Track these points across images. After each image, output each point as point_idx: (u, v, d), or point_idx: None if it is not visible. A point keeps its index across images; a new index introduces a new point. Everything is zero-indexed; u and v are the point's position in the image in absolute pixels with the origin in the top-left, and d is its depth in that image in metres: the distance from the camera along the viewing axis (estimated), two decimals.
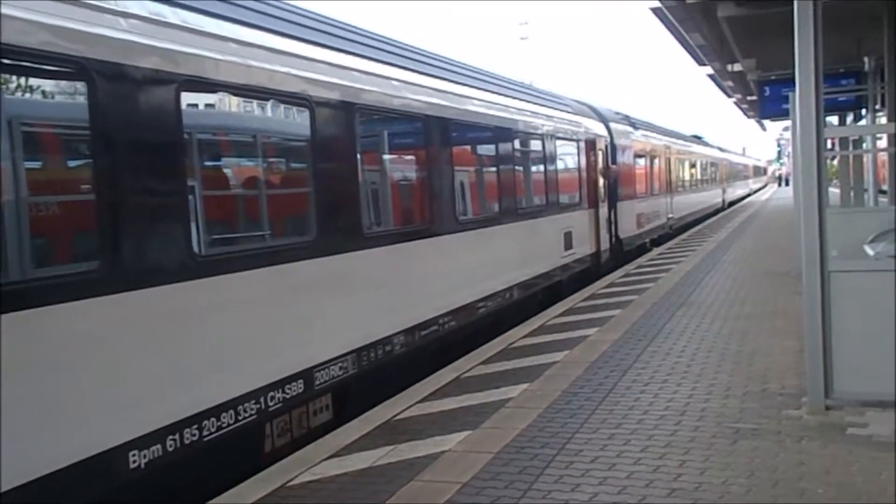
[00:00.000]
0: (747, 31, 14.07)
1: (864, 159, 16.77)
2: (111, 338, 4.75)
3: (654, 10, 14.67)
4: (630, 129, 21.03)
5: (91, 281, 4.60)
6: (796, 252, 9.90)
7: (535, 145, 12.85)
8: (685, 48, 18.96)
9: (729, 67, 20.41)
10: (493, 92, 11.55)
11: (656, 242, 22.59)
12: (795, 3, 6.03)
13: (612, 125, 18.69)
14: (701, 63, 21.05)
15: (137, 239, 4.96)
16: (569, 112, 15.45)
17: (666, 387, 7.07)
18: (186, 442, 5.15)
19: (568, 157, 14.58)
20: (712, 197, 38.63)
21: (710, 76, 24.33)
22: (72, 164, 5.04)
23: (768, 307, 10.74)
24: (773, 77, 17.28)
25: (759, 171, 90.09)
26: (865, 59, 14.94)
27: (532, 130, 12.61)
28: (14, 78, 4.40)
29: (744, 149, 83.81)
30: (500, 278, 10.81)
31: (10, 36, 4.17)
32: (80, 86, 4.68)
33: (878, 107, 15.27)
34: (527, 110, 12.62)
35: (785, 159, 75.90)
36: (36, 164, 4.70)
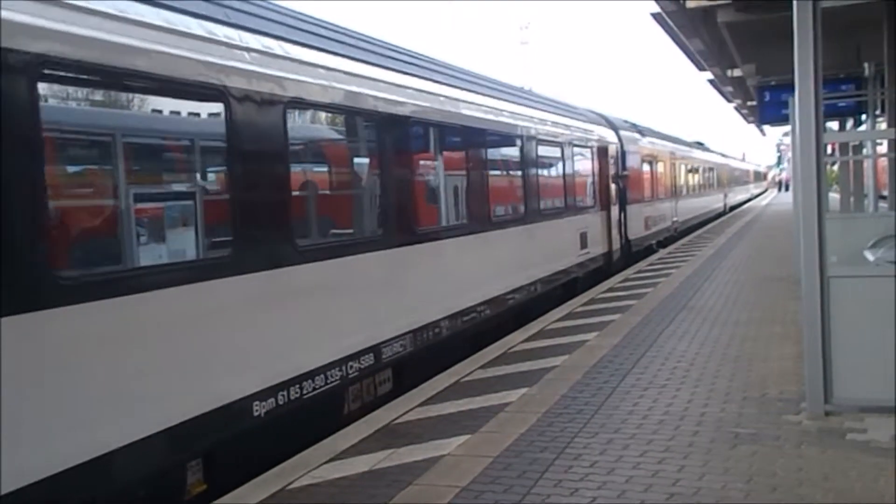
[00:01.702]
0: (747, 36, 14.11)
1: (864, 164, 16.78)
2: (244, 311, 5.86)
3: (655, 16, 14.71)
4: (638, 136, 21.84)
5: (227, 264, 5.71)
6: (796, 257, 9.91)
7: (555, 152, 13.85)
8: (685, 53, 19.02)
9: (729, 73, 20.47)
10: (524, 105, 12.84)
11: (662, 244, 23.48)
12: (795, 7, 6.05)
13: (622, 133, 19.60)
14: (701, 68, 21.12)
15: (259, 231, 6.07)
16: (583, 121, 16.45)
17: (665, 391, 7.07)
18: (291, 398, 6.22)
19: (583, 163, 15.60)
20: (714, 201, 39.33)
21: (710, 81, 24.40)
22: (216, 169, 6.19)
23: (767, 313, 10.74)
24: (772, 82, 17.30)
25: (759, 177, 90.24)
26: (865, 65, 14.94)
27: (552, 139, 13.64)
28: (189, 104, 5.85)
29: (744, 154, 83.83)
30: (526, 273, 11.79)
31: (184, 70, 5.39)
32: (220, 107, 5.77)
33: (878, 112, 15.26)
34: (548, 120, 13.70)
35: (785, 164, 75.94)
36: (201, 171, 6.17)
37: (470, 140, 10.32)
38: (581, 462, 5.41)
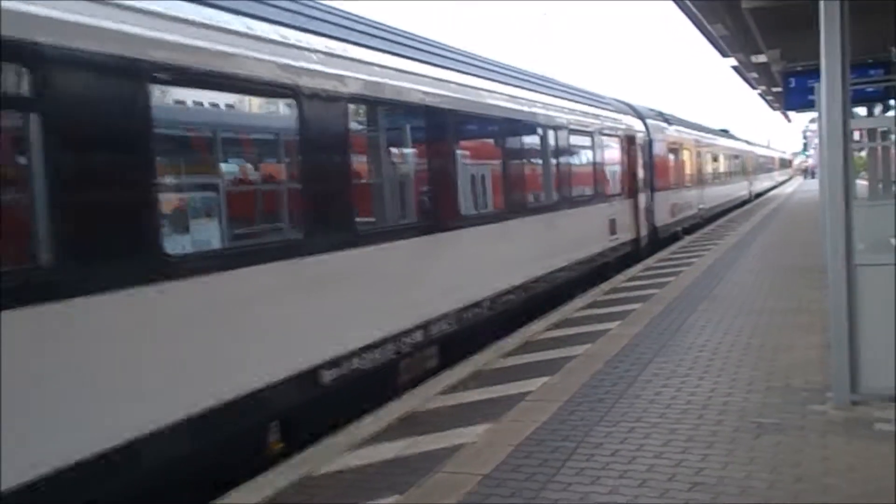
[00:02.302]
0: (772, 21, 13.90)
1: (893, 151, 16.51)
2: (314, 289, 6.47)
3: (677, 1, 14.54)
4: (664, 124, 22.08)
5: (300, 246, 6.32)
6: (822, 246, 9.80)
7: (587, 142, 14.36)
8: (708, 39, 18.78)
9: (753, 59, 20.18)
10: (559, 97, 13.43)
11: (688, 231, 23.77)
12: None
13: (649, 122, 19.95)
14: (724, 54, 20.83)
15: (325, 217, 6.70)
16: (611, 111, 16.93)
17: (688, 381, 7.02)
18: (353, 367, 6.85)
19: (612, 152, 16.07)
20: (739, 189, 39.39)
21: (734, 68, 24.07)
22: (293, 160, 6.63)
23: (793, 302, 10.63)
24: (798, 68, 17.04)
25: (784, 164, 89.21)
26: (893, 49, 14.69)
27: (584, 129, 14.19)
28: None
29: (769, 141, 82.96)
30: (558, 258, 12.32)
31: (263, 73, 6.02)
32: (294, 103, 6.37)
33: None
34: (579, 111, 14.29)
35: (811, 151, 74.99)
36: (276, 161, 6.93)
37: (510, 132, 10.89)
38: (602, 451, 5.40)
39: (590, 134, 14.51)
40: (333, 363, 6.59)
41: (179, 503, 5.09)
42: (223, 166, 6.26)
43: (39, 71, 4.31)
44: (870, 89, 15.47)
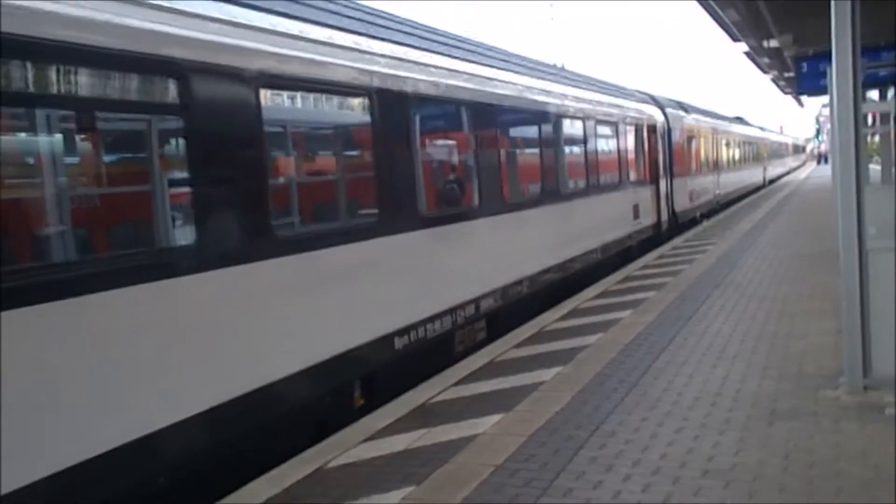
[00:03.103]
0: (783, 6, 13.78)
1: None
2: (388, 266, 7.38)
3: None
4: (682, 113, 22.91)
5: (375, 228, 7.20)
6: (834, 231, 9.74)
7: (612, 131, 15.19)
8: (719, 25, 18.63)
9: (765, 44, 20.00)
10: (587, 90, 14.46)
11: (706, 216, 24.64)
12: None
13: (668, 111, 20.74)
14: (736, 39, 20.66)
15: (392, 201, 7.52)
16: (633, 101, 17.86)
17: (700, 369, 7.03)
18: (419, 336, 7.77)
19: (635, 141, 16.87)
20: (754, 175, 40.09)
21: (746, 53, 23.88)
22: (367, 153, 7.51)
23: (805, 288, 10.60)
24: (810, 52, 16.91)
25: (797, 150, 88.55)
26: None
27: (609, 119, 15.02)
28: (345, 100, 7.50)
29: (781, 127, 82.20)
30: (588, 241, 13.19)
31: (340, 76, 6.89)
32: (367, 102, 7.27)
33: None
34: (605, 102, 15.22)
35: (824, 136, 74.35)
36: (353, 153, 7.84)
37: (544, 124, 11.70)
38: (616, 439, 5.42)
39: (615, 124, 15.29)
40: (404, 331, 7.53)
41: (298, 441, 6.03)
42: (320, 160, 7.53)
43: (185, 82, 5.15)
44: (882, 73, 15.28)
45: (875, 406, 5.65)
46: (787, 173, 62.48)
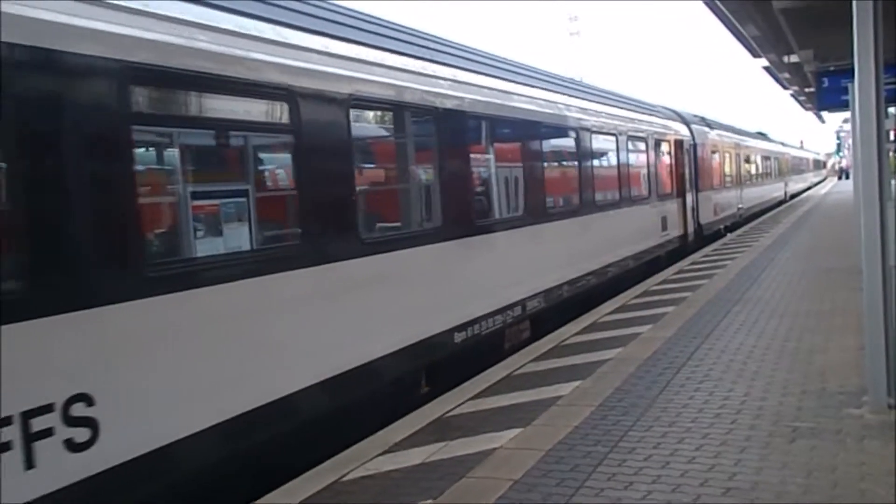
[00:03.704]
0: (804, 21, 13.74)
1: None
2: (448, 267, 8.20)
3: (707, 3, 14.42)
4: (707, 129, 23.62)
5: (436, 234, 8.02)
6: (857, 247, 9.64)
7: (642, 146, 15.99)
8: (739, 40, 18.60)
9: (785, 59, 19.95)
10: (621, 108, 15.39)
11: (730, 229, 25.28)
12: None
13: (693, 127, 21.49)
14: (756, 55, 20.62)
15: (454, 209, 8.40)
16: (661, 117, 18.70)
17: (721, 385, 6.96)
18: (475, 332, 8.52)
19: (663, 156, 17.79)
20: (776, 190, 40.80)
21: (766, 68, 23.82)
22: (434, 165, 8.36)
23: (827, 304, 10.48)
24: (831, 68, 16.83)
25: (818, 165, 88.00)
26: None
27: (640, 135, 15.80)
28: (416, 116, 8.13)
29: (801, 142, 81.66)
30: (620, 250, 13.91)
31: (408, 97, 7.73)
32: (432, 118, 8.15)
33: None
34: (636, 119, 16.07)
35: (845, 152, 73.75)
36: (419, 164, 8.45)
37: (583, 140, 12.47)
38: (635, 456, 5.37)
39: (645, 140, 16.12)
40: (462, 327, 8.29)
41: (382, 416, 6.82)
42: (395, 172, 8.35)
43: (295, 106, 5.99)
44: None
45: None
46: (808, 189, 62.23)
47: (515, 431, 6.07)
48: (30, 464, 3.95)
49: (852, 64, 6.06)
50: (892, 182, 9.42)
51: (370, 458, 5.74)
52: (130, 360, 4.55)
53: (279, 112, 6.07)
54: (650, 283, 14.07)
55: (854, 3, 5.87)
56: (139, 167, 4.93)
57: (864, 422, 5.71)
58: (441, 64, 8.60)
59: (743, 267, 15.09)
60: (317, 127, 6.22)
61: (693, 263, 16.62)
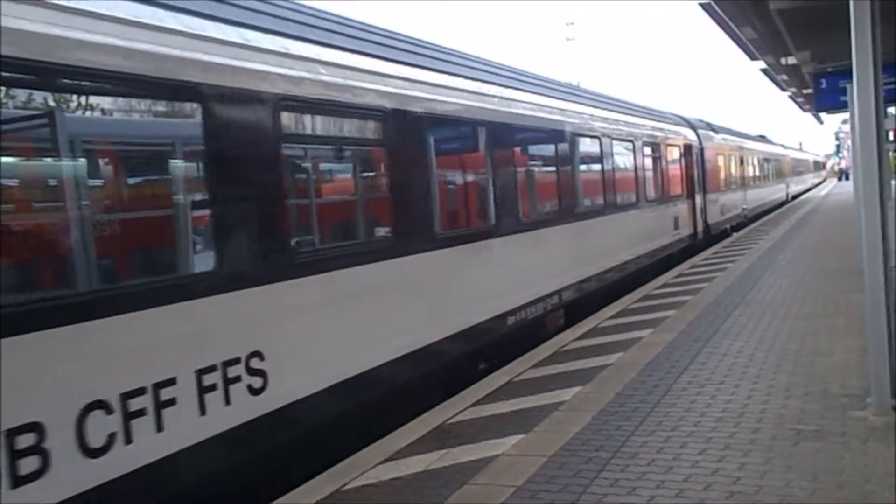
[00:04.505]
0: (801, 23, 13.75)
1: None
2: (504, 259, 9.33)
3: (704, 6, 14.44)
4: (712, 133, 24.77)
5: (491, 231, 9.22)
6: (857, 248, 9.63)
7: (655, 151, 17.12)
8: (736, 43, 18.63)
9: (783, 61, 19.98)
10: (636, 116, 16.64)
11: (735, 228, 26.45)
12: None
13: (700, 131, 22.53)
14: (753, 57, 20.65)
15: (507, 209, 9.62)
16: (671, 123, 19.87)
17: (723, 388, 6.92)
18: (521, 318, 9.61)
19: (673, 160, 18.93)
20: (777, 191, 41.86)
21: (764, 70, 23.87)
22: (486, 171, 9.50)
23: (829, 305, 10.45)
24: (829, 69, 16.77)
25: (818, 166, 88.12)
26: None
27: (653, 140, 16.97)
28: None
29: (800, 143, 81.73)
30: (638, 247, 15.01)
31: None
32: (481, 130, 9.26)
33: None
34: (649, 125, 17.26)
35: (844, 153, 73.77)
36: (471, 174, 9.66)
37: (604, 147, 13.54)
38: (638, 461, 5.33)
39: (657, 145, 17.23)
40: (512, 312, 9.36)
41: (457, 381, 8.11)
42: (472, 178, 9.61)
43: (386, 122, 7.24)
44: None
45: None
46: (808, 190, 62.59)
47: (517, 438, 6.03)
48: (227, 401, 5.15)
49: (850, 65, 6.05)
50: (892, 182, 9.42)
51: (371, 466, 5.70)
52: (286, 327, 5.75)
53: (378, 129, 7.37)
54: (651, 286, 14.04)
55: (851, 3, 5.86)
56: (288, 177, 6.22)
57: (867, 424, 5.68)
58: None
59: (744, 269, 15.07)
60: (407, 142, 7.62)
61: (693, 266, 16.59)
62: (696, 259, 18.10)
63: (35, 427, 3.97)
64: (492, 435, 6.17)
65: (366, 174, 7.73)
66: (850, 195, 17.44)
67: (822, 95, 16.99)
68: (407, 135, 7.56)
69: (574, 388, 7.35)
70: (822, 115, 41.46)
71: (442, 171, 8.63)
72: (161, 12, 5.09)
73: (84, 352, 4.29)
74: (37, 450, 3.97)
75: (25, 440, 3.92)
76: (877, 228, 5.86)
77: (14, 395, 3.86)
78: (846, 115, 21.67)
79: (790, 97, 33.85)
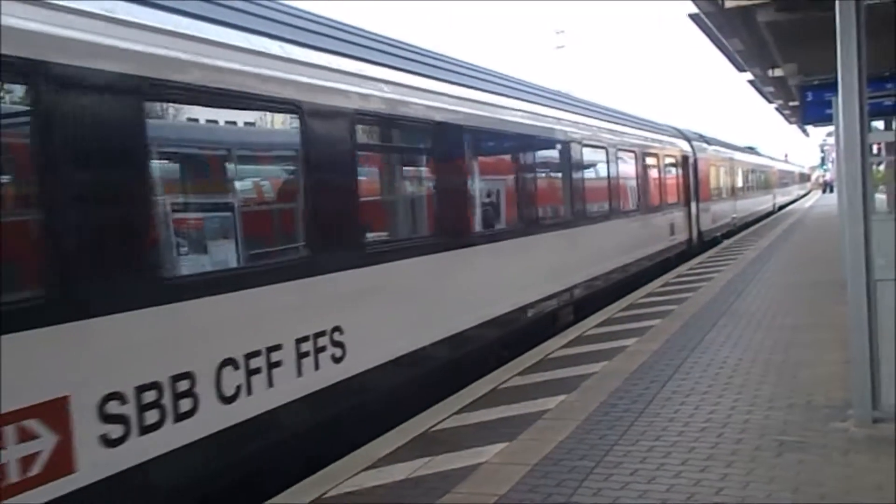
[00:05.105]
0: (788, 35, 13.84)
1: None
2: (527, 257, 10.44)
3: (692, 17, 14.52)
4: (705, 145, 25.81)
5: (513, 231, 10.31)
6: (841, 261, 9.68)
7: (654, 162, 18.25)
8: (724, 54, 18.73)
9: (770, 73, 20.10)
10: (636, 128, 17.75)
11: (726, 236, 27.47)
12: (837, 5, 5.90)
13: (694, 143, 23.55)
14: (741, 69, 20.77)
15: (531, 212, 10.84)
16: (667, 135, 21.07)
17: (707, 398, 6.94)
18: (537, 310, 10.65)
19: (670, 170, 20.11)
20: (765, 201, 43.48)
21: (751, 82, 24.00)
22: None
23: (812, 317, 10.51)
24: (815, 82, 16.93)
25: (803, 178, 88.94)
26: None
27: (652, 151, 18.06)
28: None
29: (786, 155, 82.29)
30: (638, 251, 16.06)
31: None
32: (515, 141, 10.63)
33: None
34: (649, 137, 18.42)
35: (829, 165, 74.35)
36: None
37: (610, 157, 14.56)
38: (621, 470, 5.33)
39: (656, 155, 18.32)
40: (531, 305, 10.40)
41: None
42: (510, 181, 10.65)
43: (434, 132, 8.33)
44: (887, 102, 15.29)
45: (885, 439, 5.54)
46: (794, 201, 63.32)
47: (501, 446, 6.02)
48: (316, 366, 6.13)
49: (836, 78, 6.09)
50: (876, 196, 9.50)
51: (354, 473, 5.66)
52: (359, 307, 6.76)
53: (428, 138, 8.42)
54: (636, 296, 14.07)
55: (837, 16, 5.90)
56: (361, 180, 7.10)
57: (849, 435, 5.71)
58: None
59: (729, 280, 15.13)
60: (453, 151, 8.76)
61: (679, 276, 16.65)
62: (682, 268, 18.18)
63: (188, 375, 4.93)
64: (476, 443, 6.15)
65: (425, 179, 8.73)
66: (835, 207, 17.58)
67: (808, 108, 17.14)
68: (450, 145, 8.67)
69: (559, 396, 7.35)
70: (808, 127, 41.81)
71: (479, 176, 9.70)
72: (267, 41, 6.17)
73: (223, 315, 5.29)
74: (189, 394, 4.93)
75: (182, 385, 4.88)
76: (860, 241, 5.89)
77: (179, 348, 4.89)
78: (831, 128, 21.87)
79: (776, 109, 34.07)
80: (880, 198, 18.76)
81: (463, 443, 6.18)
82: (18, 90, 4.21)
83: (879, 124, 18.32)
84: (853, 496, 4.63)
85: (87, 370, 4.28)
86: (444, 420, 6.88)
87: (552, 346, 9.87)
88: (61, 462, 4.05)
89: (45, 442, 3.98)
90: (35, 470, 3.91)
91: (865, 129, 5.97)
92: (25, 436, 3.88)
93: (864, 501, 4.55)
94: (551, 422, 6.59)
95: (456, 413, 7.08)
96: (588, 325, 11.33)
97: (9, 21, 4.00)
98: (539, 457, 5.70)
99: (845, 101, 5.96)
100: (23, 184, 4.34)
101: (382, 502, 5.11)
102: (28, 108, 4.16)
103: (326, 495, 5.28)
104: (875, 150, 14.38)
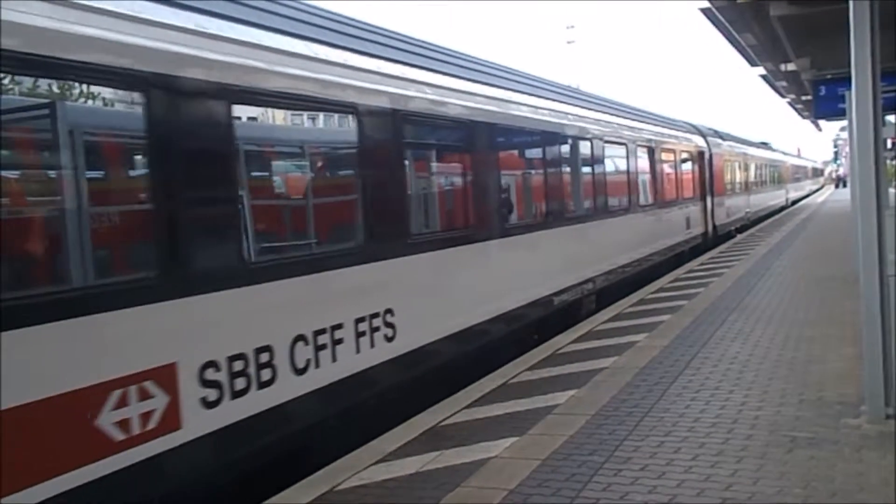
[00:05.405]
0: (801, 29, 13.76)
1: None
2: (551, 249, 10.96)
3: (704, 11, 14.46)
4: (720, 140, 26.18)
5: (539, 224, 10.77)
6: (854, 256, 9.63)
7: (671, 157, 18.68)
8: (736, 48, 18.66)
9: (782, 67, 20.01)
10: (656, 125, 18.36)
11: (739, 230, 27.75)
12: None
13: (709, 139, 23.87)
14: (753, 63, 20.68)
15: (552, 205, 11.15)
16: (684, 132, 21.43)
17: (717, 394, 6.92)
18: (562, 298, 11.14)
19: (686, 165, 20.55)
20: (778, 196, 43.49)
21: (763, 76, 23.91)
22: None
23: (824, 312, 10.45)
24: (828, 76, 16.84)
25: (816, 173, 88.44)
26: None
27: (670, 147, 18.46)
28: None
29: (798, 150, 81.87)
30: (656, 244, 16.67)
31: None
32: (543, 143, 11.15)
33: None
34: (667, 134, 18.80)
35: (842, 160, 73.90)
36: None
37: (630, 152, 15.07)
38: (631, 466, 5.32)
39: (673, 151, 18.72)
40: (557, 294, 10.94)
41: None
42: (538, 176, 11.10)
43: (468, 131, 8.87)
44: None
45: None
46: (807, 196, 63.07)
47: (510, 441, 6.02)
48: (372, 344, 6.74)
49: (849, 72, 6.04)
50: (890, 191, 9.44)
51: (364, 466, 5.69)
52: (407, 291, 7.31)
53: (464, 136, 8.90)
54: (646, 291, 14.04)
55: (851, 10, 5.86)
56: (408, 174, 7.78)
57: (861, 432, 5.67)
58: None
59: (740, 275, 15.07)
60: (487, 148, 9.35)
61: (690, 271, 16.59)
62: (693, 264, 18.12)
63: (268, 349, 5.49)
64: (485, 437, 6.16)
65: (464, 175, 9.04)
66: (848, 202, 17.49)
67: (821, 102, 17.06)
68: (484, 141, 9.19)
69: (568, 391, 7.34)
70: (821, 121, 41.59)
71: (512, 172, 10.32)
72: (327, 49, 6.71)
73: (297, 295, 5.84)
74: (269, 365, 5.50)
75: (264, 357, 5.45)
76: (873, 236, 5.85)
77: (261, 324, 5.46)
78: (845, 123, 21.71)
79: (789, 103, 33.90)
80: (894, 192, 18.65)
81: (473, 437, 6.19)
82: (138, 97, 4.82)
83: (893, 118, 18.20)
84: (865, 493, 4.61)
85: (189, 340, 4.93)
86: (453, 414, 6.89)
87: (562, 342, 9.86)
88: (171, 419, 4.71)
89: (159, 401, 4.64)
90: (151, 425, 4.59)
91: (879, 123, 5.93)
92: (144, 395, 4.55)
93: (876, 498, 4.53)
94: (561, 417, 6.59)
95: (466, 408, 7.09)
96: (598, 319, 11.31)
97: (145, 42, 4.82)
98: (549, 452, 5.70)
99: (859, 95, 5.91)
100: (141, 179, 5.08)
101: (392, 496, 5.13)
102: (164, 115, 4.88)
103: (337, 488, 5.30)
104: (889, 145, 14.30)
